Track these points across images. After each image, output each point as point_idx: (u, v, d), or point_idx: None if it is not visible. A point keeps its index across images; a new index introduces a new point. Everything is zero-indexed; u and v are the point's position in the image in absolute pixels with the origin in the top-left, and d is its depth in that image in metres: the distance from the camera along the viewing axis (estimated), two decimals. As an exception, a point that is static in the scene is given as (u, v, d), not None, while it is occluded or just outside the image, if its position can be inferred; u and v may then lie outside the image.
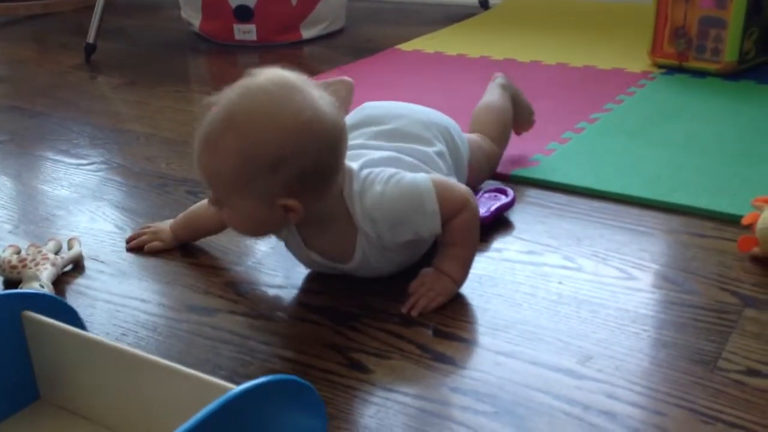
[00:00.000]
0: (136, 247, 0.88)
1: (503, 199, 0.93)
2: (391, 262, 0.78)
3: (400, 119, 0.86)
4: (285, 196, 0.68)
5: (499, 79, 1.07)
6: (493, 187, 0.96)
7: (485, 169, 0.99)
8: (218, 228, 0.87)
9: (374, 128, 0.85)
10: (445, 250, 0.78)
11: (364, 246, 0.75)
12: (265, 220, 0.71)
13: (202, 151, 0.68)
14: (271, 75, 0.69)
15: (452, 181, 0.80)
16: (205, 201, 0.86)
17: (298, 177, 0.68)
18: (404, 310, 0.76)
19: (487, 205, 0.91)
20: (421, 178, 0.75)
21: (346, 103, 0.97)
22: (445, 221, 0.75)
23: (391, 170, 0.75)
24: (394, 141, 0.83)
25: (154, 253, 0.88)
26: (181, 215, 0.90)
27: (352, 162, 0.75)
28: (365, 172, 0.74)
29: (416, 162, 0.81)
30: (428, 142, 0.85)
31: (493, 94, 1.05)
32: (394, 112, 0.87)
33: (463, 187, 0.78)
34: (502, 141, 1.01)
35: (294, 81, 0.69)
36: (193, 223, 0.89)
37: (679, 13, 1.40)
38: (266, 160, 0.66)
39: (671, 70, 1.44)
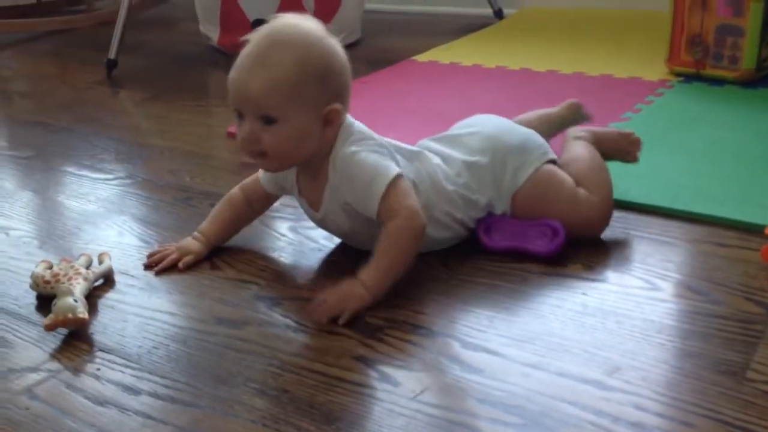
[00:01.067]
0: (166, 267, 0.88)
1: (554, 232, 0.87)
2: (351, 227, 0.85)
3: (470, 128, 0.94)
4: (329, 105, 0.79)
5: (570, 132, 1.01)
6: (494, 218, 0.90)
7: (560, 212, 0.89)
8: (248, 214, 0.93)
9: (447, 132, 0.94)
10: (371, 259, 0.79)
11: (327, 197, 0.83)
12: (309, 135, 0.79)
13: (254, 70, 0.77)
14: (289, 16, 0.81)
15: (413, 194, 0.80)
16: (230, 194, 0.92)
17: (338, 91, 0.80)
18: (314, 315, 0.77)
19: (543, 236, 0.87)
20: (391, 167, 0.80)
21: (579, 119, 1.05)
22: (384, 218, 0.79)
23: (377, 148, 0.82)
24: (441, 143, 0.91)
25: (189, 268, 0.88)
26: (206, 222, 0.92)
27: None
28: (359, 133, 0.82)
29: (438, 161, 0.87)
30: (469, 152, 0.89)
31: (570, 150, 0.97)
32: (476, 123, 0.95)
33: (415, 204, 0.79)
34: (595, 187, 0.91)
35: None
36: (223, 220, 0.92)
37: (696, 21, 1.41)
38: (317, 70, 0.78)
39: (689, 78, 1.44)
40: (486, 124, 0.94)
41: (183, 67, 1.84)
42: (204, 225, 0.92)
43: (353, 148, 0.81)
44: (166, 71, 1.81)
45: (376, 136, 0.84)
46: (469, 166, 0.88)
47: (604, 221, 0.90)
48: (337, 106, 0.80)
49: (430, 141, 0.93)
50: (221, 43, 1.89)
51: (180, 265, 0.88)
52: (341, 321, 0.76)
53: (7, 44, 2.14)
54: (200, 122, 1.44)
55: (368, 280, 0.78)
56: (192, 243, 0.91)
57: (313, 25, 0.81)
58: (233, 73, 0.79)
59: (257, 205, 0.93)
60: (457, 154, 0.89)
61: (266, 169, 0.86)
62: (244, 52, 0.79)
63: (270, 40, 0.78)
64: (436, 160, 0.88)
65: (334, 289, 0.79)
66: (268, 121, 0.78)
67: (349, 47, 1.89)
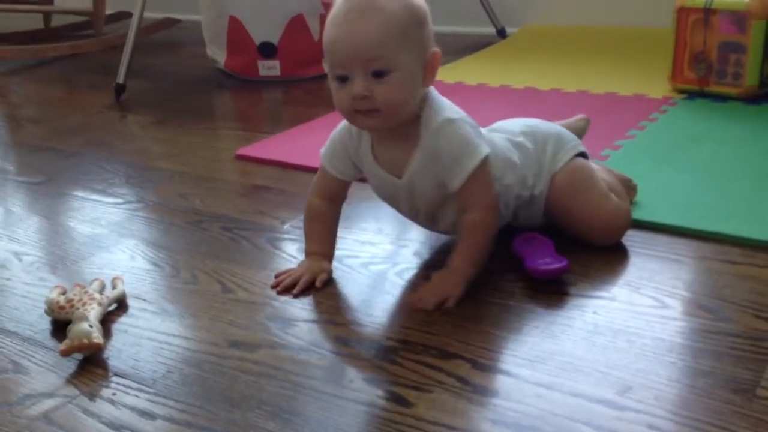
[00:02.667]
0: (304, 288, 0.87)
1: (549, 244, 0.89)
2: (433, 193, 0.87)
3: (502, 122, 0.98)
4: (429, 48, 0.80)
5: None
6: (525, 236, 0.91)
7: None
8: (337, 213, 0.94)
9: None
10: (458, 247, 0.85)
11: (417, 159, 0.84)
12: (417, 83, 0.80)
13: (362, 20, 0.77)
14: None
15: (494, 182, 0.86)
16: (312, 208, 0.92)
17: (430, 33, 0.82)
18: (419, 304, 0.82)
19: (546, 255, 0.87)
20: (483, 146, 0.83)
21: (583, 134, 1.08)
22: (463, 203, 0.84)
23: (470, 121, 0.85)
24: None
25: (325, 285, 0.88)
26: (309, 242, 0.92)
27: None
28: (447, 101, 0.85)
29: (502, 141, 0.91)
30: (512, 134, 0.93)
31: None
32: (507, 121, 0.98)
33: (495, 195, 0.85)
34: (620, 195, 0.96)
35: None
36: (325, 234, 0.93)
37: (699, 38, 1.42)
38: (420, 13, 0.80)
39: (692, 95, 1.45)
40: (518, 120, 0.98)
41: (190, 90, 1.86)
42: (310, 245, 0.92)
43: (452, 116, 0.83)
44: (174, 95, 1.83)
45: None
46: (514, 144, 0.91)
47: (623, 230, 0.94)
48: (436, 49, 0.81)
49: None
50: (228, 66, 1.91)
51: (317, 283, 0.88)
52: (449, 304, 0.82)
53: (15, 70, 2.17)
54: (208, 145, 1.46)
55: (459, 269, 0.84)
56: (315, 263, 0.90)
57: None
58: (335, 30, 0.78)
59: (338, 198, 0.93)
60: (503, 135, 0.92)
61: (374, 128, 0.83)
62: (342, 7, 0.78)
63: None
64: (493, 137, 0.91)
65: (433, 279, 0.85)
66: (379, 74, 0.78)
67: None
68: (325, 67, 0.83)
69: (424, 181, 0.86)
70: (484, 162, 0.83)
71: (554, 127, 0.98)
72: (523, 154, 0.92)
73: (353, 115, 0.81)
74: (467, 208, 0.85)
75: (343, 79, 0.80)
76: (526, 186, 0.92)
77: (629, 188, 1.02)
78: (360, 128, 0.86)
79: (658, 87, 1.50)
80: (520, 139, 0.93)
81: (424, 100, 0.83)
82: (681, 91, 1.47)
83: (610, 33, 2.00)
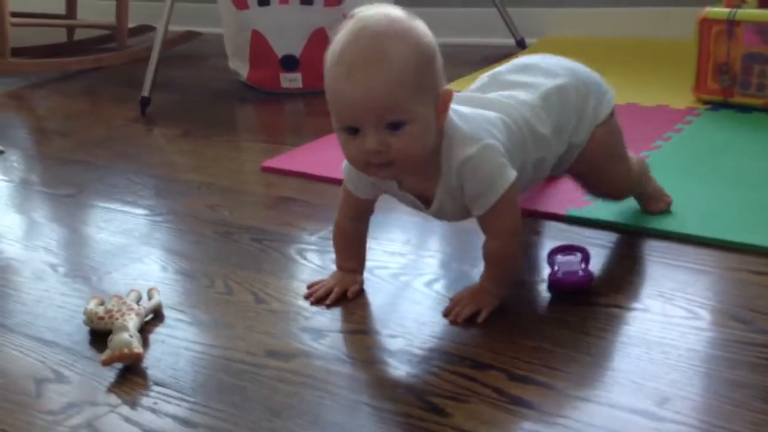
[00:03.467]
0: (336, 300, 0.88)
1: (581, 256, 0.89)
2: (461, 214, 0.86)
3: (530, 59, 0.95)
4: (440, 87, 0.76)
5: None
6: (562, 246, 0.92)
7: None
8: (366, 230, 0.93)
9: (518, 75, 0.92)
10: (485, 270, 0.86)
11: (442, 191, 0.82)
12: (431, 128, 0.76)
13: (370, 73, 0.70)
14: (365, 10, 0.76)
15: (518, 204, 0.83)
16: (342, 229, 0.92)
17: (441, 69, 0.77)
18: (449, 317, 0.83)
19: (573, 266, 0.88)
20: (507, 174, 0.80)
21: None
22: (485, 230, 0.84)
23: (490, 142, 0.80)
24: (516, 73, 0.91)
25: (356, 296, 0.89)
26: (340, 258, 0.92)
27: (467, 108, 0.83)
28: (464, 127, 0.80)
29: (523, 97, 0.87)
30: (551, 75, 0.90)
31: None
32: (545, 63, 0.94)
33: (518, 220, 0.83)
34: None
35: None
36: (356, 251, 0.92)
37: (722, 49, 1.43)
38: (428, 54, 0.75)
39: (716, 106, 1.45)
40: (556, 60, 0.95)
41: (213, 103, 1.89)
42: (342, 260, 0.92)
43: (471, 152, 0.78)
44: (197, 107, 1.85)
45: (471, 117, 0.82)
46: (553, 91, 0.88)
47: (629, 193, 1.00)
48: (447, 89, 0.77)
49: (503, 71, 0.93)
50: (251, 79, 1.93)
51: (349, 295, 0.89)
52: (480, 319, 0.82)
53: (39, 83, 2.20)
54: (233, 157, 1.47)
55: (489, 286, 0.85)
56: (347, 275, 0.91)
57: (394, 8, 0.76)
58: (342, 85, 0.72)
59: (366, 214, 0.92)
60: (540, 80, 0.89)
61: (390, 178, 0.81)
62: (347, 58, 0.72)
63: (373, 35, 0.72)
64: (522, 95, 0.87)
65: (464, 293, 0.85)
66: (395, 126, 0.73)
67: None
68: (332, 117, 0.77)
69: (453, 209, 0.85)
70: (508, 191, 0.80)
71: (591, 73, 0.95)
72: (562, 99, 0.89)
73: (365, 166, 0.77)
74: (489, 235, 0.84)
75: (352, 131, 0.75)
76: (563, 140, 0.89)
77: (665, 203, 1.03)
78: (372, 177, 0.82)
79: (681, 98, 1.51)
80: (559, 81, 0.89)
81: (441, 132, 0.79)
82: (704, 102, 1.47)
83: (631, 44, 2.00)
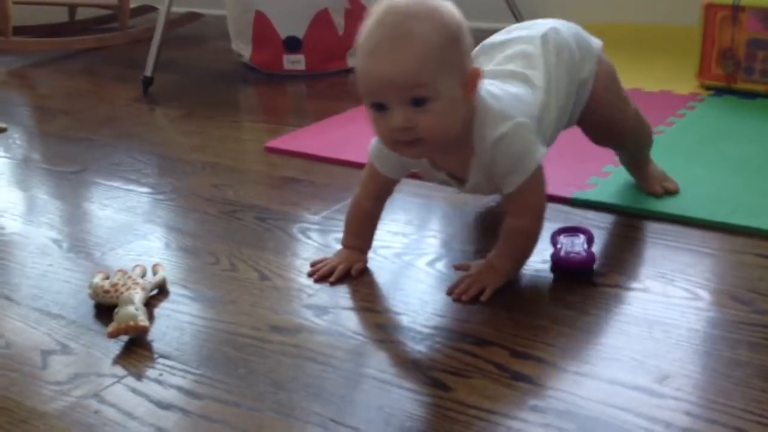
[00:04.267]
0: (341, 276, 0.89)
1: (584, 237, 0.90)
2: (493, 189, 0.88)
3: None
4: (467, 66, 0.77)
5: None
6: (566, 227, 0.93)
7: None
8: (381, 211, 0.93)
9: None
10: (498, 246, 0.86)
11: (475, 168, 0.83)
12: (459, 105, 0.77)
13: (396, 49, 0.72)
14: None
15: (545, 186, 0.85)
16: (360, 206, 0.92)
17: (469, 50, 0.78)
18: (453, 295, 0.83)
19: (576, 247, 0.88)
20: (537, 152, 0.82)
21: None
22: (511, 207, 0.85)
23: (520, 120, 0.81)
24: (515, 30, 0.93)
25: (360, 274, 0.90)
26: (349, 235, 0.93)
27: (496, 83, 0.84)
28: (496, 105, 0.81)
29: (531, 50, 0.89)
30: (542, 25, 0.92)
31: None
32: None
33: (543, 201, 0.85)
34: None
35: None
36: (367, 230, 0.93)
37: (727, 35, 1.43)
38: (454, 33, 0.75)
39: (720, 91, 1.45)
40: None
41: (216, 84, 1.88)
42: (350, 239, 0.93)
43: (503, 129, 0.80)
44: (200, 88, 1.85)
45: (501, 94, 0.82)
46: (549, 32, 0.90)
47: (634, 132, 1.00)
48: (477, 66, 0.79)
49: (489, 40, 0.94)
50: (253, 61, 1.93)
51: (353, 272, 0.89)
52: (484, 297, 0.83)
53: (41, 62, 2.19)
54: (236, 138, 1.47)
55: (499, 264, 0.85)
56: (352, 253, 0.91)
57: None
58: (367, 62, 0.74)
59: (386, 196, 0.93)
60: (528, 32, 0.91)
61: (418, 156, 0.82)
62: (372, 34, 0.74)
63: (398, 15, 0.74)
64: (522, 47, 0.89)
65: (471, 271, 0.86)
66: (419, 102, 0.74)
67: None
68: (361, 94, 0.78)
69: (488, 186, 0.86)
70: (537, 169, 0.82)
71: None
72: (559, 39, 0.90)
73: (395, 144, 0.78)
74: (514, 213, 0.85)
75: (380, 107, 0.76)
76: (572, 79, 0.90)
77: (667, 184, 1.04)
78: (403, 156, 0.82)
79: (685, 83, 1.51)
80: (549, 25, 0.92)
81: (472, 111, 0.80)
82: (708, 88, 1.47)
83: (636, 30, 2.00)
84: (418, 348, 0.76)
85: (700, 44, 1.46)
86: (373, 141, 0.90)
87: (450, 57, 0.75)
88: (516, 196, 0.83)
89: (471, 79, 0.77)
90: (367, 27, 0.75)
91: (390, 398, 0.69)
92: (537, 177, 0.83)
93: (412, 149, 0.78)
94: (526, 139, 0.82)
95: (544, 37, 0.89)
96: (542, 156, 0.83)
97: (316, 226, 1.05)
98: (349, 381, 0.72)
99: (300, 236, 1.03)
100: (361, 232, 0.93)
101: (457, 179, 0.86)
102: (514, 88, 0.85)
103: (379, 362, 0.74)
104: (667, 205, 1.01)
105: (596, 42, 0.96)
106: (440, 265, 0.93)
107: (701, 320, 0.78)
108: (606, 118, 0.96)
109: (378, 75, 0.73)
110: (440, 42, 0.74)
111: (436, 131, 0.76)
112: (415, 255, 0.95)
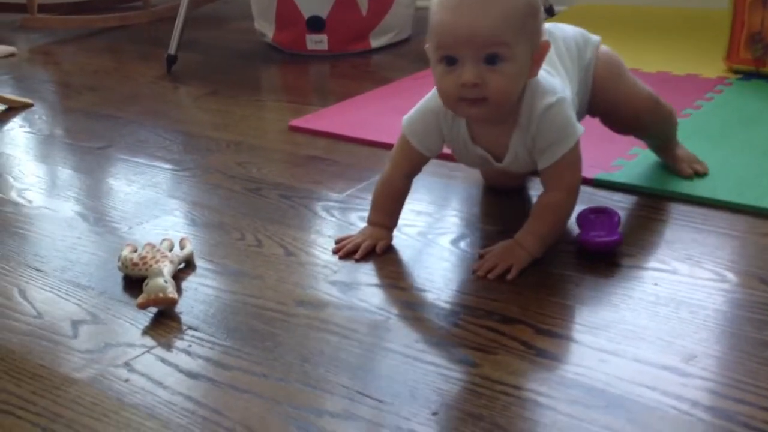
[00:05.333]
0: (365, 253, 0.89)
1: (612, 218, 0.89)
2: (526, 168, 0.89)
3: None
4: (539, 38, 0.79)
5: None
6: (593, 208, 0.92)
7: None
8: (408, 190, 0.93)
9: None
10: (528, 223, 0.86)
11: (515, 141, 0.84)
12: (525, 74, 0.79)
13: (482, 4, 0.75)
14: None
15: (582, 162, 0.86)
16: (391, 183, 0.92)
17: (542, 23, 0.81)
18: (479, 273, 0.83)
19: (603, 227, 0.87)
20: (577, 128, 0.84)
21: None
22: (547, 182, 0.85)
23: (565, 97, 0.84)
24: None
25: (384, 252, 0.90)
26: (376, 212, 0.93)
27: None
28: (543, 79, 0.83)
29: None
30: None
31: None
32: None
33: (579, 178, 0.86)
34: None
35: None
36: (395, 207, 0.93)
37: (757, 18, 1.40)
38: (535, 5, 0.78)
39: (748, 75, 1.43)
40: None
41: (239, 63, 1.89)
42: (377, 216, 0.92)
43: (551, 100, 0.82)
44: (223, 67, 1.85)
45: (543, 73, 0.84)
46: (554, 26, 0.93)
47: (651, 115, 0.99)
48: (547, 39, 0.81)
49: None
50: (276, 40, 1.93)
51: (377, 249, 0.89)
52: (510, 276, 0.82)
53: (65, 40, 2.21)
54: (260, 116, 1.48)
55: (526, 242, 0.85)
56: (378, 230, 0.91)
57: None
58: (450, 14, 0.76)
59: (417, 173, 0.93)
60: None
61: (477, 118, 0.82)
62: None
63: None
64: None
65: (496, 249, 0.85)
66: (493, 60, 0.76)
67: (399, 44, 1.90)
68: (428, 49, 0.80)
69: (524, 161, 0.86)
70: (576, 145, 0.83)
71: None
72: (560, 29, 0.93)
73: (457, 102, 0.79)
74: (550, 188, 0.85)
75: (450, 62, 0.77)
76: (576, 65, 0.92)
77: (697, 165, 1.04)
78: (461, 116, 0.83)
79: (713, 67, 1.49)
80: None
81: (525, 83, 0.82)
82: (736, 72, 1.45)
83: (663, 13, 1.97)
84: (442, 324, 0.77)
85: (729, 28, 1.44)
86: (408, 117, 0.90)
87: (530, 24, 0.77)
88: (553, 171, 0.84)
89: (541, 51, 0.80)
90: None
91: (415, 373, 0.69)
92: (575, 153, 0.84)
93: (474, 108, 0.79)
94: (568, 113, 0.83)
95: (550, 32, 0.91)
96: (581, 133, 0.84)
97: (339, 204, 1.06)
98: (374, 355, 0.72)
99: (324, 214, 1.03)
100: (389, 209, 0.93)
101: (494, 155, 0.87)
102: (543, 72, 0.85)
103: (404, 338, 0.75)
104: (695, 188, 1.00)
105: (595, 36, 0.98)
106: (464, 244, 0.93)
107: (728, 301, 0.77)
108: (612, 102, 0.96)
109: (460, 27, 0.75)
110: (524, 8, 0.77)
111: (502, 92, 0.77)
112: (438, 234, 0.96)
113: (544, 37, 0.81)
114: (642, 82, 1.00)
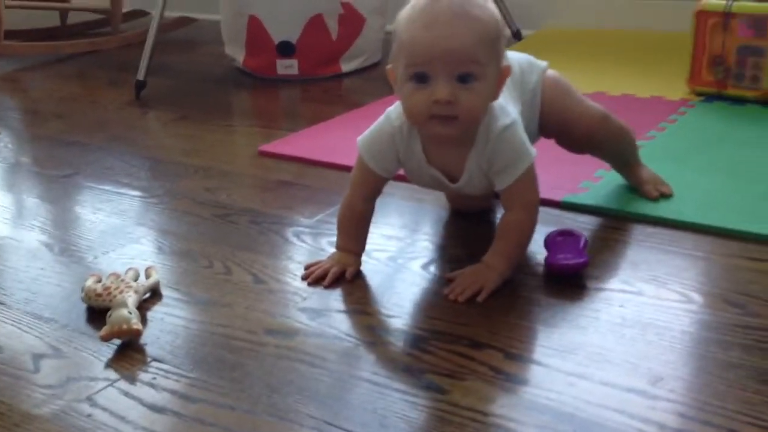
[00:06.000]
0: (334, 280, 0.89)
1: (578, 240, 0.90)
2: (481, 190, 0.90)
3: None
4: (503, 61, 0.81)
5: None
6: (560, 231, 0.92)
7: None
8: (371, 213, 0.93)
9: None
10: (494, 245, 0.87)
11: (472, 162, 0.85)
12: (492, 94, 0.81)
13: (457, 23, 0.76)
14: None
15: (538, 182, 0.88)
16: (352, 208, 0.92)
17: (504, 48, 0.82)
18: (450, 296, 0.84)
19: (570, 250, 0.88)
20: (531, 150, 0.85)
21: None
22: (507, 202, 0.86)
23: (518, 119, 0.86)
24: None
25: (354, 277, 0.90)
26: (343, 238, 0.92)
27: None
28: (499, 104, 0.85)
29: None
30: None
31: None
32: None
33: (537, 196, 0.87)
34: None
35: None
36: (361, 233, 0.93)
37: (717, 42, 1.44)
38: (501, 28, 0.80)
39: (710, 97, 1.47)
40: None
41: (209, 88, 1.88)
42: (343, 241, 0.92)
43: (507, 122, 0.83)
44: (193, 92, 1.84)
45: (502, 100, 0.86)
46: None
47: (603, 132, 1.00)
48: (509, 64, 0.83)
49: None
50: (247, 65, 1.93)
51: (347, 275, 0.89)
52: (480, 298, 0.83)
53: (33, 66, 2.19)
54: (230, 141, 1.47)
55: (494, 263, 0.86)
56: (346, 256, 0.91)
57: None
58: (424, 32, 0.76)
59: (377, 196, 0.93)
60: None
61: (447, 136, 0.81)
62: (432, 11, 0.77)
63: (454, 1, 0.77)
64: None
65: (466, 272, 0.86)
66: (466, 78, 0.77)
67: (370, 68, 1.91)
68: (393, 68, 0.82)
69: (479, 182, 0.87)
70: (532, 165, 0.85)
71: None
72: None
73: (427, 119, 0.79)
74: (510, 208, 0.87)
75: (421, 79, 0.78)
76: (526, 91, 0.94)
77: (662, 188, 1.05)
78: (430, 134, 0.83)
79: (676, 89, 1.52)
80: None
81: None
82: (699, 94, 1.48)
83: (628, 36, 2.01)
84: (412, 350, 0.76)
85: (691, 51, 1.47)
86: (363, 138, 0.91)
87: (497, 46, 0.79)
88: (513, 191, 0.85)
89: (503, 74, 0.82)
90: (417, 4, 0.79)
91: (385, 401, 0.69)
92: (531, 171, 0.86)
93: (446, 126, 0.79)
94: (522, 134, 0.85)
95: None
96: (534, 153, 0.85)
97: (309, 230, 1.05)
98: (343, 384, 0.72)
99: (294, 240, 1.03)
100: (354, 234, 0.93)
101: (449, 176, 0.87)
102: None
103: (373, 365, 0.74)
104: (660, 209, 1.01)
105: (542, 62, 0.99)
106: (434, 268, 0.93)
107: (694, 323, 0.78)
108: (563, 121, 0.98)
109: (435, 44, 0.76)
110: (493, 30, 0.78)
111: (473, 111, 0.79)
112: (408, 258, 0.95)
113: (506, 62, 0.83)
114: (591, 101, 1.02)
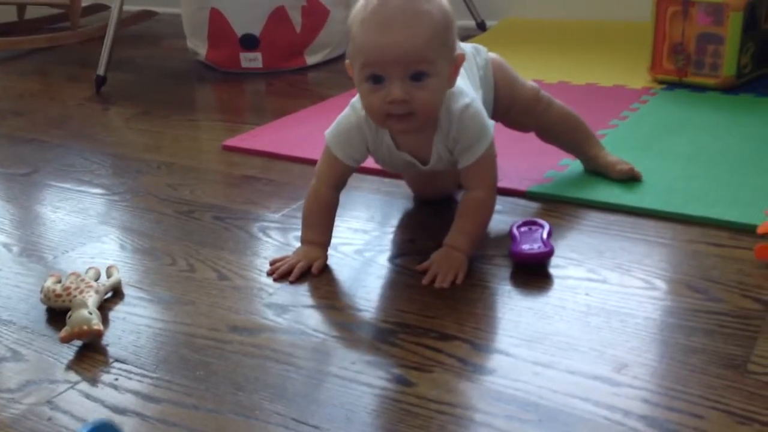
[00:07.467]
0: (299, 275, 0.88)
1: (543, 230, 0.91)
2: (449, 168, 0.92)
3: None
4: (456, 50, 0.83)
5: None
6: (525, 221, 0.93)
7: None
8: (337, 202, 0.93)
9: None
10: (455, 223, 0.89)
11: (438, 145, 0.87)
12: (446, 85, 0.83)
13: (406, 24, 0.77)
14: None
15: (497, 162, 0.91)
16: (318, 195, 0.92)
17: (456, 38, 0.84)
18: (435, 285, 0.84)
19: (535, 240, 0.88)
20: (491, 127, 0.88)
21: None
22: (469, 182, 0.89)
23: (477, 98, 0.90)
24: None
25: (321, 272, 0.89)
26: (307, 229, 0.92)
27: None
28: (457, 87, 0.87)
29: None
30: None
31: None
32: None
33: (497, 175, 0.90)
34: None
35: None
36: (325, 222, 0.92)
37: (677, 30, 1.45)
38: (451, 18, 0.81)
39: (671, 85, 1.48)
40: None
41: (171, 82, 1.85)
42: (309, 234, 0.92)
43: (467, 101, 0.86)
44: (155, 87, 1.81)
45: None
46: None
47: (538, 104, 1.04)
48: (462, 52, 0.85)
49: None
50: (210, 59, 1.90)
51: (314, 270, 0.88)
52: (459, 280, 0.84)
53: (-10, 62, 2.13)
54: (193, 136, 1.45)
55: (458, 243, 0.87)
56: (312, 250, 0.90)
57: None
58: (375, 35, 0.78)
59: (343, 185, 0.94)
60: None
61: (407, 131, 0.85)
62: (382, 13, 0.78)
63: None
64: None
65: (435, 259, 0.87)
66: (418, 77, 0.79)
67: (335, 60, 1.90)
68: (352, 67, 0.83)
69: (447, 162, 0.90)
70: (492, 143, 0.88)
71: None
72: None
73: (385, 117, 0.82)
74: (472, 187, 0.89)
75: (377, 80, 0.80)
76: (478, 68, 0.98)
77: (626, 167, 1.07)
78: (390, 130, 0.87)
79: (638, 78, 1.53)
80: None
81: None
82: (660, 82, 1.50)
83: (591, 26, 2.03)
84: (380, 344, 0.76)
85: (652, 39, 1.49)
86: (331, 131, 0.92)
87: (449, 39, 0.81)
88: (474, 169, 0.88)
89: (457, 63, 0.84)
90: (368, 4, 0.79)
91: (352, 395, 0.68)
92: (492, 151, 0.89)
93: (403, 123, 0.82)
94: (482, 113, 0.88)
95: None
96: (493, 131, 0.88)
97: (275, 225, 1.04)
98: (310, 380, 0.71)
99: (260, 235, 1.01)
100: (320, 225, 0.93)
101: (419, 159, 0.90)
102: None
103: (340, 360, 0.74)
104: (623, 197, 1.02)
105: (482, 47, 1.03)
106: (401, 261, 0.92)
107: (658, 309, 0.79)
108: (512, 96, 1.02)
109: (387, 47, 0.77)
110: (443, 23, 0.80)
111: (429, 106, 0.81)
112: (376, 251, 0.95)
113: (459, 50, 0.85)
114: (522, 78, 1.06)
